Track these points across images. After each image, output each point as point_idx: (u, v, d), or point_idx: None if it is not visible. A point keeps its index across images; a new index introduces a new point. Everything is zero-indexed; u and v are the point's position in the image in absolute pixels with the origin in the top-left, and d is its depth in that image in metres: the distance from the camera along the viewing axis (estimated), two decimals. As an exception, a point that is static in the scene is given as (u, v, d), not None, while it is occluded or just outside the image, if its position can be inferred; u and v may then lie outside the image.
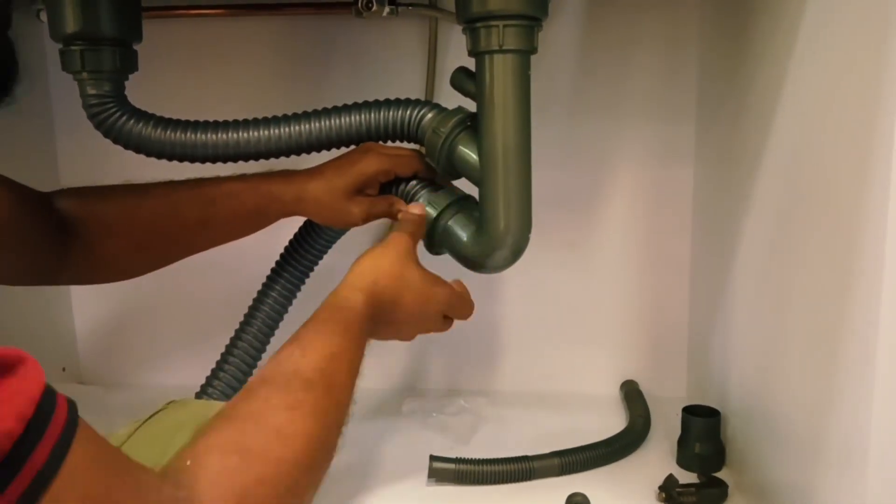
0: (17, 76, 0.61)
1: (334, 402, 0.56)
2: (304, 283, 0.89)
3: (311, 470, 0.52)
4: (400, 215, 0.77)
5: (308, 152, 0.81)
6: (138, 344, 1.18)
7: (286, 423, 0.51)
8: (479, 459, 0.84)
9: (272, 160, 0.81)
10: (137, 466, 0.41)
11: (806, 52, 0.66)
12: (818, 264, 0.63)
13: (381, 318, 0.66)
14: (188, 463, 0.45)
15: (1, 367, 0.35)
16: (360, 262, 0.68)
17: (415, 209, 0.77)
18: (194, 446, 0.47)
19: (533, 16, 0.70)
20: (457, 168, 0.78)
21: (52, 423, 0.35)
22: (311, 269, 0.89)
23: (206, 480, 0.44)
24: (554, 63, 1.03)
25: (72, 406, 0.38)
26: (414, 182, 0.81)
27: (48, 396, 0.36)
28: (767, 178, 0.76)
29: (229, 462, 0.46)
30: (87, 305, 1.18)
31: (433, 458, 0.84)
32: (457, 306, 0.74)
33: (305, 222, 0.87)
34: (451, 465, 0.83)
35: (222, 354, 0.87)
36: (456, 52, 1.02)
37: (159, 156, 0.81)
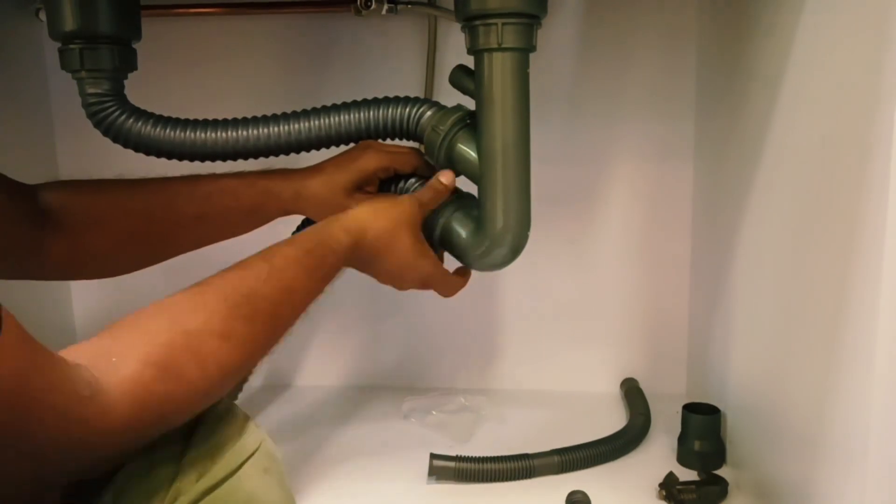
0: None
1: (269, 335, 0.58)
2: (303, 281, 0.89)
3: (215, 397, 0.54)
4: (431, 180, 0.77)
5: (308, 150, 0.81)
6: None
7: (213, 351, 0.52)
8: (479, 457, 0.84)
9: (272, 158, 0.81)
10: (55, 359, 0.43)
11: (806, 45, 0.66)
12: (818, 261, 0.63)
13: (357, 265, 0.69)
14: (113, 360, 0.47)
15: None
16: (362, 208, 0.70)
17: (444, 178, 0.77)
18: (127, 341, 0.49)
19: (532, 14, 0.70)
20: (456, 166, 0.78)
21: None
22: (311, 268, 0.89)
23: (116, 383, 0.45)
24: (553, 60, 1.03)
25: None
26: (413, 179, 0.81)
27: None
28: (768, 173, 0.76)
29: (147, 372, 0.47)
30: (88, 304, 1.18)
31: (433, 456, 0.84)
32: (438, 284, 0.76)
33: (303, 221, 0.87)
34: (452, 463, 0.83)
35: (222, 353, 0.86)
36: (455, 50, 1.01)
37: (159, 154, 0.81)
